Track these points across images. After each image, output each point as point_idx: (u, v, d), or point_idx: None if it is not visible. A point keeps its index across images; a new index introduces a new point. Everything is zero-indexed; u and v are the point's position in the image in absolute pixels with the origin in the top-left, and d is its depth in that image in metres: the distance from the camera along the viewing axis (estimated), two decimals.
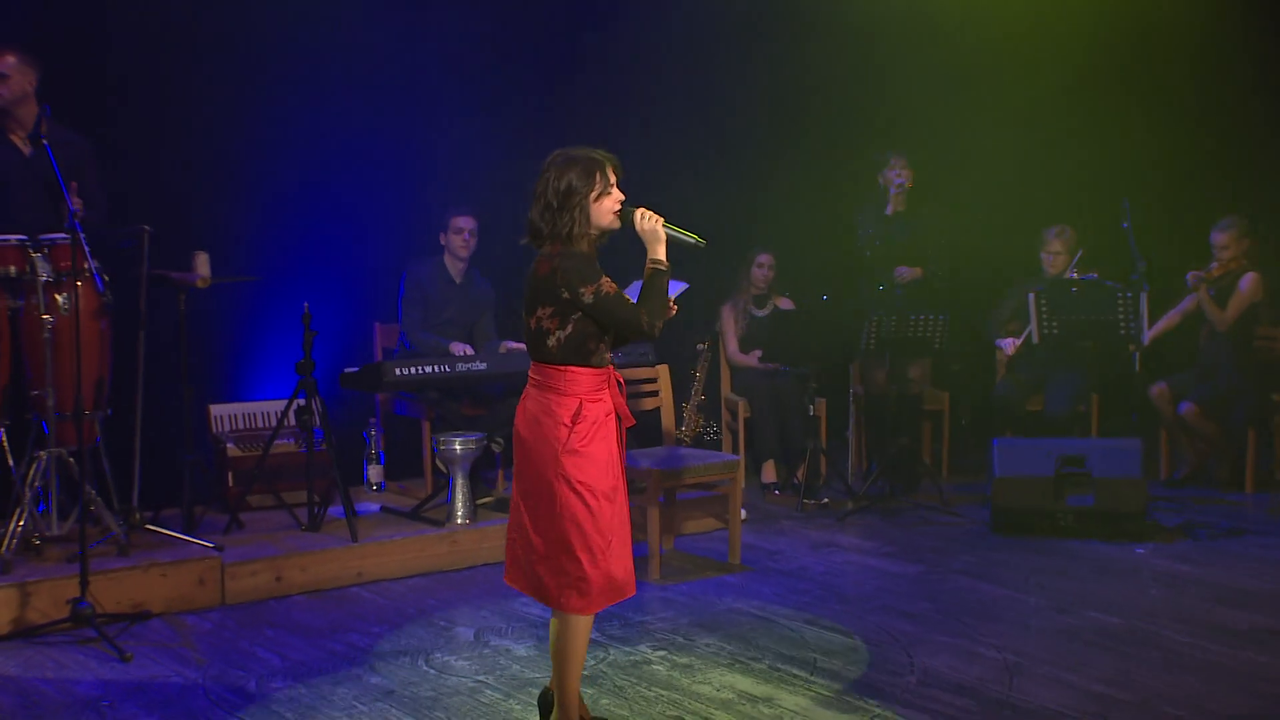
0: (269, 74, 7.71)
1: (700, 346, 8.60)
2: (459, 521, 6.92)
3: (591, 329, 4.30)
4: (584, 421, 4.29)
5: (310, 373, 6.73)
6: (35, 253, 6.10)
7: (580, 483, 4.27)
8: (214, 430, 7.32)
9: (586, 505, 4.28)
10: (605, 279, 4.30)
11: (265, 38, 7.67)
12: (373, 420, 7.72)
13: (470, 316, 7.81)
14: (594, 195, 4.31)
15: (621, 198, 4.37)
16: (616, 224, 4.38)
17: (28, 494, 6.09)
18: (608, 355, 4.38)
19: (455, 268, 7.72)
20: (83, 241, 5.78)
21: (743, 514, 7.62)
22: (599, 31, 8.75)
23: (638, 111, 8.96)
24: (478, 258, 7.78)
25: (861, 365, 8.82)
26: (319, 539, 6.65)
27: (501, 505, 7.19)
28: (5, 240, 6.17)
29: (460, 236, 7.61)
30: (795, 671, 5.31)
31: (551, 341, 4.30)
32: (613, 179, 4.36)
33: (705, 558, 7.04)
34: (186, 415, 6.72)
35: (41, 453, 6.11)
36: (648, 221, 4.38)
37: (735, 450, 8.78)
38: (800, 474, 8.16)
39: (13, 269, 6.18)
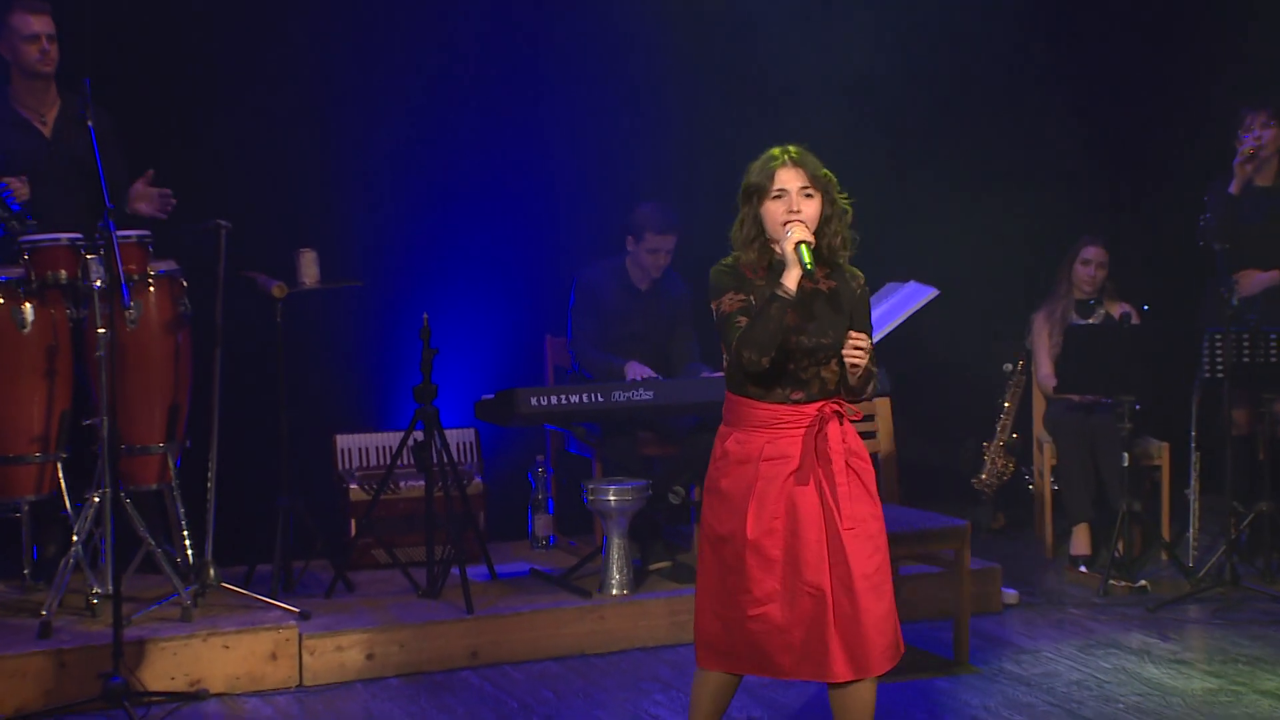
0: (404, 41, 7.58)
1: (1008, 368, 7.68)
2: (613, 593, 6.35)
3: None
4: (727, 457, 4.23)
5: (430, 400, 6.41)
6: (89, 255, 5.98)
7: (708, 525, 4.31)
8: (339, 467, 7.06)
9: (712, 551, 4.29)
10: (729, 295, 4.20)
11: None
12: (541, 459, 7.28)
13: (662, 330, 7.19)
14: (769, 196, 4.18)
15: (795, 208, 4.12)
16: (790, 238, 4.12)
17: (74, 541, 5.95)
18: (794, 393, 4.19)
19: (639, 272, 7.13)
20: (114, 243, 5.58)
21: (1010, 595, 6.72)
22: None
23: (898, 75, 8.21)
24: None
25: (1227, 400, 7.55)
26: (431, 608, 6.28)
27: (679, 573, 6.57)
28: (55, 240, 6.14)
29: (655, 257, 7.04)
30: None
31: (724, 364, 4.32)
32: (787, 183, 4.14)
33: (927, 651, 6.23)
34: (283, 450, 6.47)
35: (95, 495, 5.96)
36: (790, 240, 4.11)
37: (1044, 508, 7.79)
38: (1119, 545, 7.07)
39: (64, 273, 6.12)
